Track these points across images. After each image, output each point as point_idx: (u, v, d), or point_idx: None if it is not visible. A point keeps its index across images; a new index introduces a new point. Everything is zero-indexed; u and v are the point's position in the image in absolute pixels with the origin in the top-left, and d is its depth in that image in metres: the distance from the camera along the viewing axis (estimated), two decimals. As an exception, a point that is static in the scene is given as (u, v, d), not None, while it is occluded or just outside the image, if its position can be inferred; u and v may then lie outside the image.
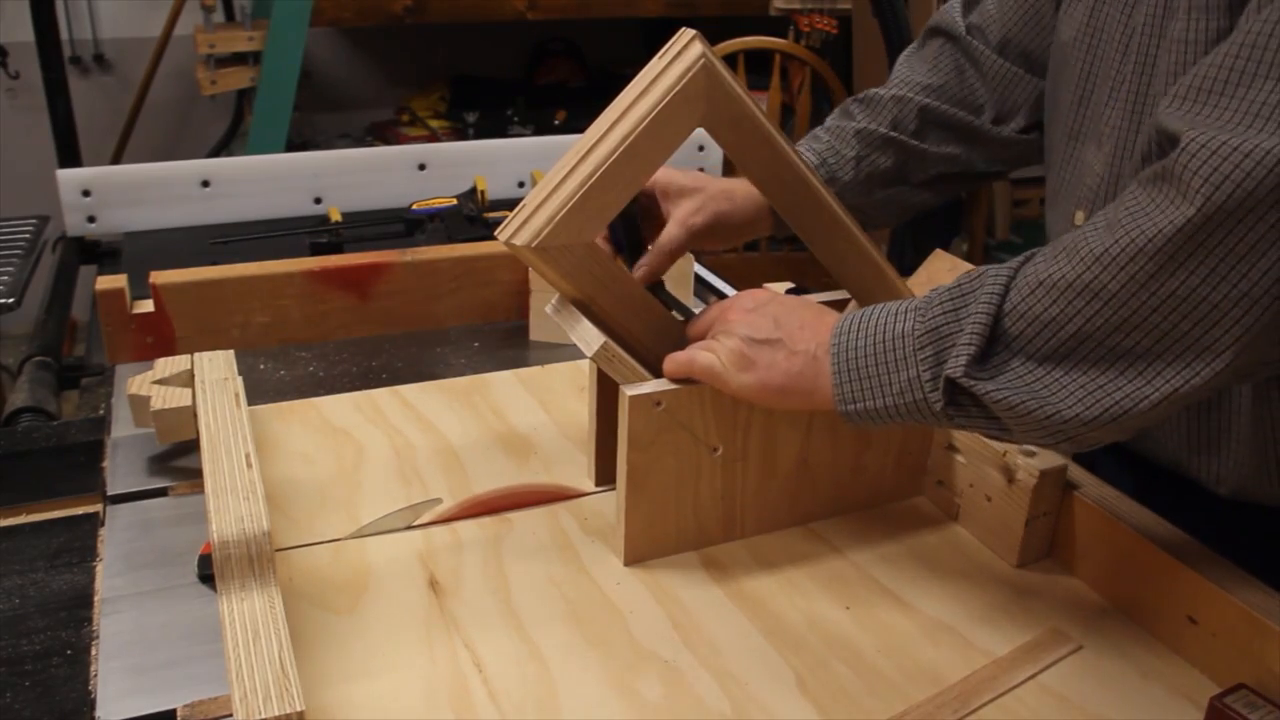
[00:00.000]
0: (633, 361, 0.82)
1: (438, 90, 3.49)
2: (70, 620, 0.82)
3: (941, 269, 0.98)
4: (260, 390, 1.15)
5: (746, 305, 0.84)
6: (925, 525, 0.94)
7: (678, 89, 0.80)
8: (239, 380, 0.94)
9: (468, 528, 0.91)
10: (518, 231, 0.80)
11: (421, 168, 1.85)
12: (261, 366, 1.23)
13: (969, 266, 0.97)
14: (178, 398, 0.94)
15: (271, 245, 1.62)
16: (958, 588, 0.87)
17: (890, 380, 0.76)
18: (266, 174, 1.80)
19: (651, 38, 3.50)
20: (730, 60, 2.71)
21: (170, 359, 0.98)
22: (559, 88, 3.56)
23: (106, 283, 1.27)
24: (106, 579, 0.85)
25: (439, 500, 0.94)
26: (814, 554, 0.90)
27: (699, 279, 1.53)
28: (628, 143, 0.80)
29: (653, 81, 0.82)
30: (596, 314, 0.84)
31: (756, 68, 2.79)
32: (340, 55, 3.54)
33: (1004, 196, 4.18)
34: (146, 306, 1.30)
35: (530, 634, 0.79)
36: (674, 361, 0.83)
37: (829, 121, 1.09)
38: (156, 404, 0.93)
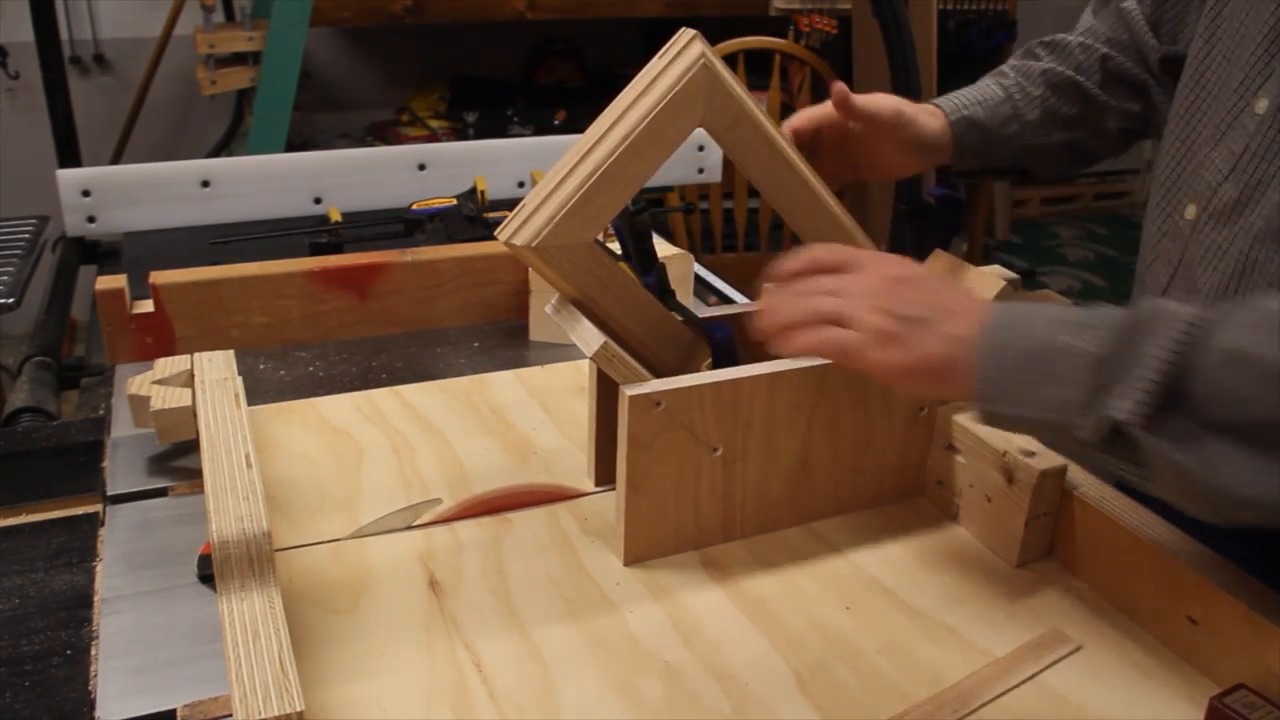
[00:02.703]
0: (632, 361, 0.82)
1: (438, 90, 3.49)
2: (70, 620, 0.82)
3: (942, 268, 0.98)
4: (260, 390, 1.15)
5: (892, 272, 0.77)
6: (925, 525, 0.94)
7: (677, 89, 0.80)
8: (239, 380, 0.94)
9: (468, 528, 0.91)
10: (518, 231, 0.80)
11: (421, 168, 1.85)
12: (261, 366, 1.23)
13: (969, 266, 0.97)
14: (178, 398, 0.94)
15: (271, 245, 1.61)
16: (958, 588, 0.86)
17: (1039, 394, 0.70)
18: (266, 174, 1.79)
19: (651, 38, 3.49)
20: (730, 60, 2.71)
21: (170, 359, 0.98)
22: (559, 88, 3.56)
23: (106, 283, 1.27)
24: (106, 579, 0.85)
25: (439, 500, 0.94)
26: (814, 554, 0.90)
27: (699, 279, 1.53)
28: (627, 143, 0.80)
29: (653, 81, 0.82)
30: (596, 314, 0.84)
31: (756, 68, 2.79)
32: (340, 55, 3.54)
33: (1004, 197, 4.19)
34: (146, 306, 1.30)
35: (530, 634, 0.79)
36: (806, 348, 0.75)
37: (1013, 60, 1.10)
38: (156, 404, 0.93)
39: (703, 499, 0.87)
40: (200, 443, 0.85)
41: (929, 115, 1.03)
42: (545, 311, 0.86)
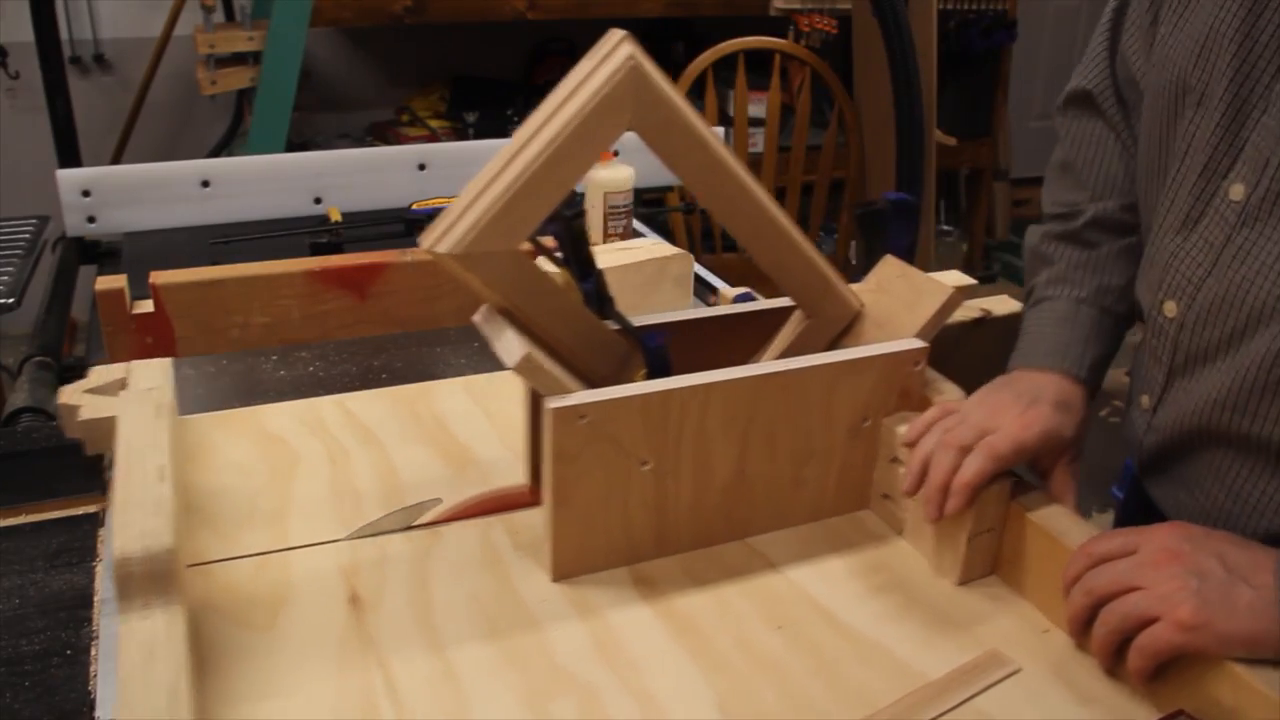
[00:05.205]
0: (557, 373, 0.80)
1: (438, 90, 3.48)
2: (70, 620, 0.82)
3: (891, 275, 0.95)
4: (260, 390, 1.15)
5: (1168, 543, 0.75)
6: (869, 540, 0.91)
7: (605, 92, 0.78)
8: (167, 390, 0.92)
9: (395, 541, 0.88)
10: (441, 239, 0.78)
11: (421, 168, 1.85)
12: (262, 366, 1.23)
13: (919, 272, 0.94)
14: (108, 407, 0.92)
15: (271, 245, 1.63)
16: (897, 607, 0.84)
17: None
18: (266, 174, 1.80)
19: (651, 38, 3.46)
20: (730, 60, 2.70)
21: (107, 367, 0.96)
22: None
23: (106, 283, 1.27)
24: (106, 579, 0.84)
25: (439, 500, 0.93)
26: (750, 570, 0.87)
27: (699, 279, 1.51)
28: (553, 147, 0.78)
29: (580, 84, 0.79)
30: (525, 323, 0.82)
31: (756, 68, 2.78)
32: (340, 55, 3.53)
33: (1004, 196, 4.15)
34: (146, 307, 1.30)
35: (447, 653, 0.77)
36: (1142, 667, 0.73)
37: (1069, 255, 1.02)
38: (86, 414, 0.91)
39: (633, 513, 0.84)
40: (116, 455, 0.83)
41: (1060, 397, 0.91)
42: (472, 319, 0.84)
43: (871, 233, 0.98)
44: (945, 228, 4.21)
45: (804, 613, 0.82)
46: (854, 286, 0.95)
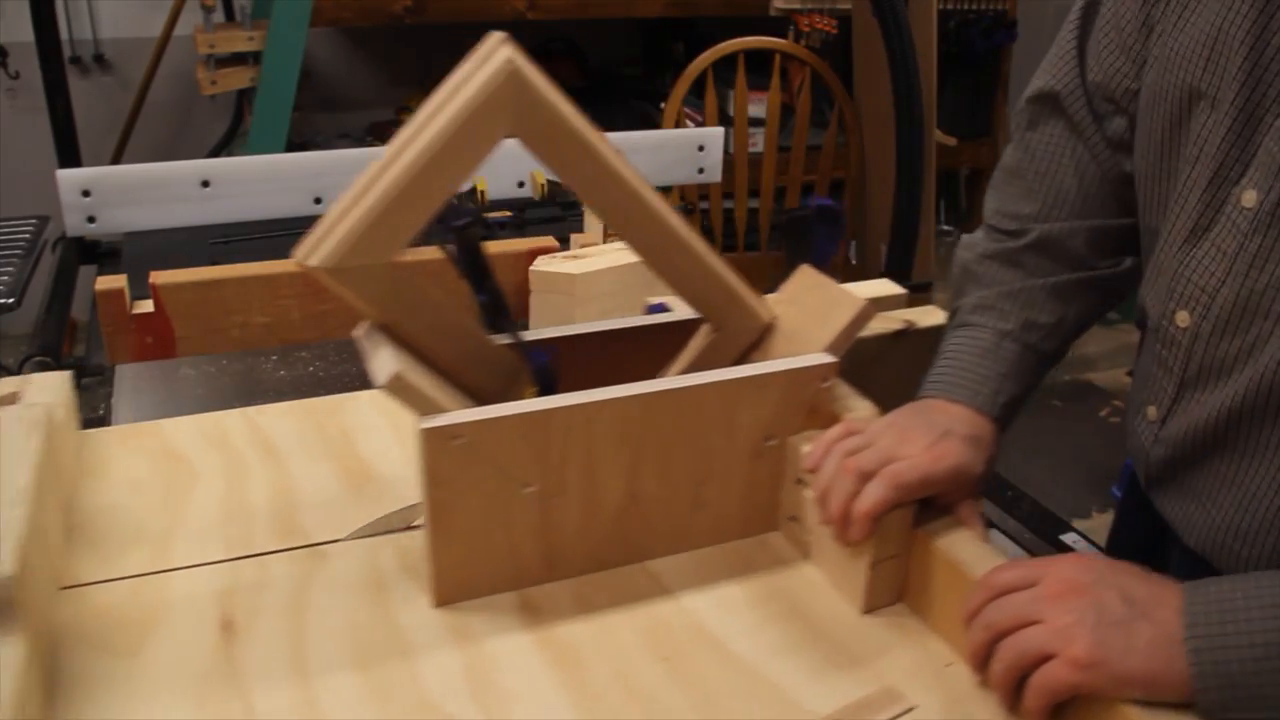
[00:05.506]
0: (432, 392, 0.76)
1: (438, 90, 3.46)
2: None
3: (805, 286, 0.90)
4: (260, 390, 1.14)
5: (1069, 575, 0.72)
6: (774, 565, 0.87)
7: (482, 97, 0.75)
8: (61, 405, 0.89)
9: (281, 562, 0.85)
10: (312, 252, 0.75)
11: (422, 168, 1.83)
12: (262, 366, 1.22)
13: (832, 283, 0.90)
14: (-7, 422, 0.90)
15: (271, 245, 1.62)
16: (794, 637, 0.79)
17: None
18: (266, 174, 1.80)
19: (651, 38, 3.49)
20: (730, 60, 2.66)
21: (5, 380, 0.94)
22: (559, 88, 3.50)
23: (106, 283, 1.26)
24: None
25: None
26: (643, 596, 0.83)
27: None
28: (428, 155, 0.74)
29: (457, 88, 0.76)
30: (405, 339, 0.79)
31: (756, 68, 2.76)
32: (340, 55, 3.52)
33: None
34: (146, 307, 1.29)
35: (313, 683, 0.73)
36: (1037, 706, 0.70)
37: (1000, 282, 0.97)
38: (-30, 429, 0.88)
39: (518, 537, 0.81)
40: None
41: (972, 432, 0.86)
42: (353, 334, 0.81)
43: (794, 241, 0.94)
44: (945, 228, 4.15)
45: (693, 642, 0.79)
46: (768, 298, 0.91)
